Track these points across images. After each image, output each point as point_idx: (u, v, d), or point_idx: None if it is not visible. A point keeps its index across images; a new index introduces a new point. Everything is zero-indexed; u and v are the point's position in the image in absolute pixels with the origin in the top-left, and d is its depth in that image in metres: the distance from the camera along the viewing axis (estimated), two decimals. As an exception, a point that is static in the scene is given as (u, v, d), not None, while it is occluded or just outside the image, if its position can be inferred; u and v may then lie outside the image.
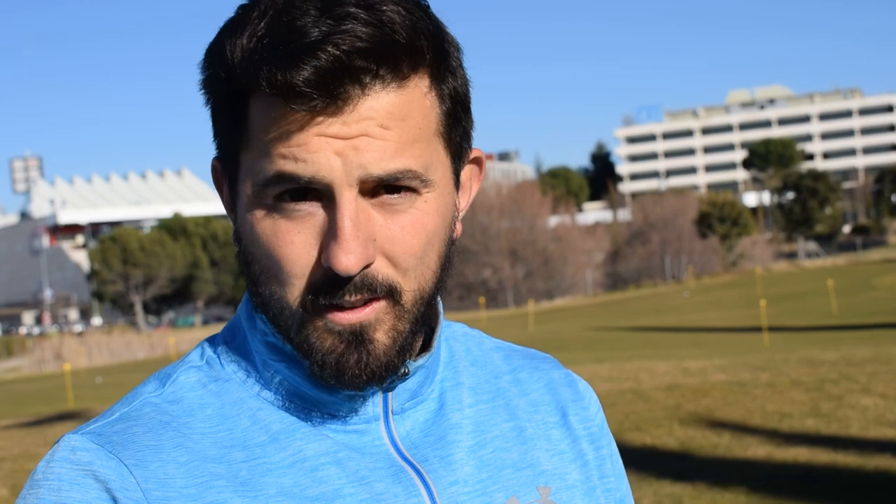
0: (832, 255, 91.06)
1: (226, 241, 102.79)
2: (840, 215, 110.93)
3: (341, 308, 1.09)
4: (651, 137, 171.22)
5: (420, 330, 1.16)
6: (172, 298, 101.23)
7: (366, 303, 1.10)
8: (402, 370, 1.17)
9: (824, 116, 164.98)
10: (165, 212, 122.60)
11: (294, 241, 1.09)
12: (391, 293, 1.10)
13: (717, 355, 19.51)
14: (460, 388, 1.27)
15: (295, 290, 1.10)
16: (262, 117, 1.07)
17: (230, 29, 1.10)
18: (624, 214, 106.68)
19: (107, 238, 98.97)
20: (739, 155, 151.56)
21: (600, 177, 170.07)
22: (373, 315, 1.10)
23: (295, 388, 1.17)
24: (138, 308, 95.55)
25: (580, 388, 1.38)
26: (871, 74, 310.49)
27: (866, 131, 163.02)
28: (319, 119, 1.05)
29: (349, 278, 1.08)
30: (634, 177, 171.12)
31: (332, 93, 1.04)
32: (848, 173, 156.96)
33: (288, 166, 1.06)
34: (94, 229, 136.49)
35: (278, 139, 1.06)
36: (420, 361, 1.19)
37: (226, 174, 1.17)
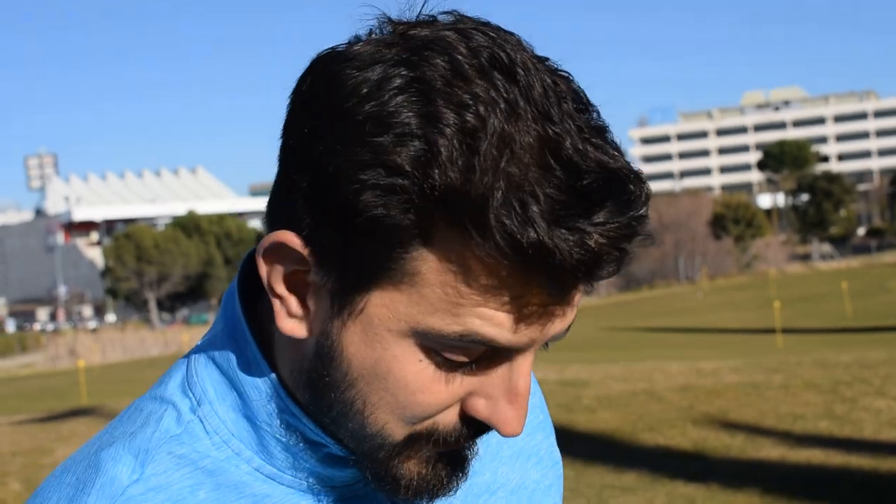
0: (846, 258, 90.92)
1: (240, 240, 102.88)
2: (854, 217, 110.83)
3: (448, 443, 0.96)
4: (665, 138, 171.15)
5: None
6: (186, 296, 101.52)
7: None
8: None
9: (839, 118, 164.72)
10: (180, 209, 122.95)
11: (441, 390, 0.91)
12: None
13: (731, 356, 19.48)
14: None
15: (411, 429, 0.94)
16: (460, 265, 0.86)
17: (427, 137, 0.84)
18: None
19: (121, 235, 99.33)
20: (754, 156, 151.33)
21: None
22: (472, 446, 1.00)
23: (303, 464, 1.00)
24: (152, 305, 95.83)
25: None
26: (887, 76, 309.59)
27: (881, 133, 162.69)
28: (551, 297, 0.88)
29: (488, 428, 0.95)
30: (648, 177, 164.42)
31: (591, 279, 0.87)
32: (863, 175, 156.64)
33: (487, 331, 0.87)
34: (109, 226, 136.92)
35: (483, 299, 0.86)
36: None
37: (326, 273, 0.91)
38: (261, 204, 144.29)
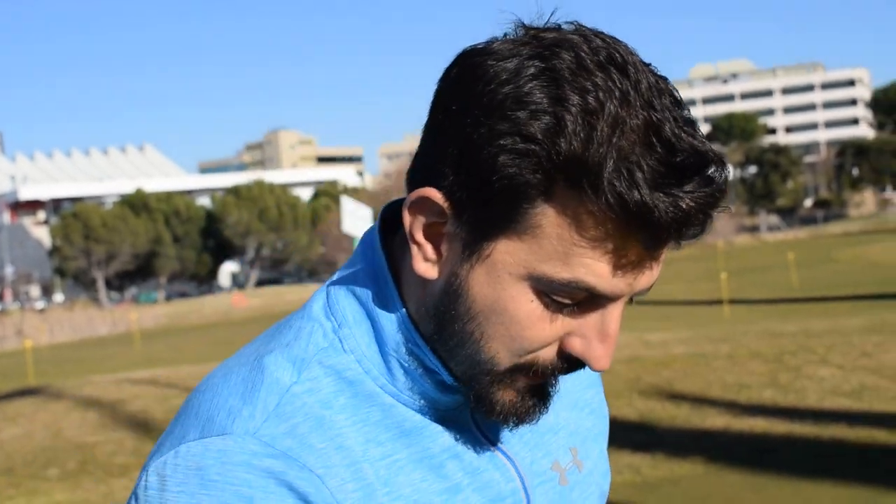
0: (793, 229, 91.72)
1: (188, 217, 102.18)
2: (802, 189, 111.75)
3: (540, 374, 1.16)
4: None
5: None
6: (135, 274, 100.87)
7: None
8: None
9: (787, 91, 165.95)
10: (128, 188, 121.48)
11: (546, 327, 1.10)
12: None
13: (679, 328, 19.63)
14: None
15: (516, 359, 1.13)
16: (576, 221, 1.05)
17: (556, 113, 1.04)
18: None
19: (68, 214, 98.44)
20: (702, 129, 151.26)
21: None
22: (556, 385, 1.20)
23: (419, 387, 1.19)
24: (100, 284, 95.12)
25: None
26: (834, 49, 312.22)
27: (828, 105, 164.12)
28: (645, 250, 1.07)
29: (581, 365, 1.14)
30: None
31: (679, 237, 1.06)
32: (810, 147, 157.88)
33: (589, 279, 1.06)
34: (56, 205, 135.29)
35: (589, 250, 1.05)
36: None
37: (461, 224, 1.11)
38: (209, 181, 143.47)
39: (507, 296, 1.09)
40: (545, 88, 1.04)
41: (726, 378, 12.92)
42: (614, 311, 1.11)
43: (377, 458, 1.15)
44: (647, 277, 1.09)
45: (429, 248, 1.13)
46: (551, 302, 1.09)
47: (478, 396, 1.15)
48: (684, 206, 1.03)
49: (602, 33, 1.10)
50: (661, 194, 1.02)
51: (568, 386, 1.39)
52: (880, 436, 9.59)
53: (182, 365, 21.24)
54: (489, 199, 1.07)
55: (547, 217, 1.05)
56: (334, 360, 1.18)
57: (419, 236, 1.13)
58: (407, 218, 1.13)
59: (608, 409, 1.50)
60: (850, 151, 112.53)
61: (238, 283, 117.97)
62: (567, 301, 1.09)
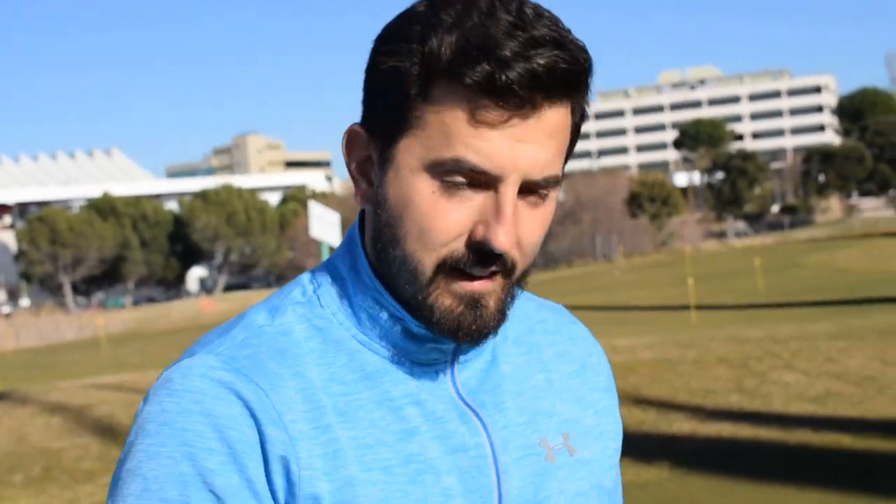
0: (760, 235, 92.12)
1: (156, 222, 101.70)
2: (769, 195, 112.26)
3: (469, 276, 1.26)
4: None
5: (512, 298, 1.33)
6: (102, 279, 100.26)
7: (490, 275, 1.27)
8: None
9: (754, 97, 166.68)
10: (94, 192, 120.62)
11: (450, 216, 1.23)
12: (511, 271, 1.28)
13: (646, 333, 19.69)
14: (507, 342, 1.45)
15: (435, 256, 1.25)
16: (448, 105, 1.21)
17: (428, 21, 1.22)
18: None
19: (35, 218, 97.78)
20: (670, 135, 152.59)
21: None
22: (491, 286, 1.28)
23: (388, 335, 1.32)
24: (67, 289, 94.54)
25: (595, 343, 1.60)
26: (800, 56, 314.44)
27: (795, 112, 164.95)
28: (512, 121, 1.21)
29: (494, 255, 1.25)
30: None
31: (532, 100, 1.20)
32: (776, 153, 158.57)
33: (469, 156, 1.21)
34: (22, 209, 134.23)
35: (464, 128, 1.21)
36: None
37: (375, 142, 1.29)
38: (177, 186, 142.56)
39: (413, 190, 1.24)
40: (427, 10, 1.24)
41: (693, 383, 12.99)
42: (506, 192, 1.22)
43: (338, 393, 1.28)
44: (530, 157, 1.22)
45: (363, 181, 1.32)
46: (449, 189, 1.23)
47: (419, 306, 1.28)
48: (533, 65, 1.18)
49: None
50: (519, 61, 1.17)
51: (574, 384, 1.50)
52: (845, 440, 9.68)
53: (149, 370, 21.12)
54: (383, 102, 1.26)
55: (429, 108, 1.22)
56: (307, 311, 1.34)
57: (355, 172, 1.33)
58: (345, 157, 1.33)
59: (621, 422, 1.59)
60: (817, 158, 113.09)
61: (206, 288, 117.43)
62: (461, 180, 1.22)
